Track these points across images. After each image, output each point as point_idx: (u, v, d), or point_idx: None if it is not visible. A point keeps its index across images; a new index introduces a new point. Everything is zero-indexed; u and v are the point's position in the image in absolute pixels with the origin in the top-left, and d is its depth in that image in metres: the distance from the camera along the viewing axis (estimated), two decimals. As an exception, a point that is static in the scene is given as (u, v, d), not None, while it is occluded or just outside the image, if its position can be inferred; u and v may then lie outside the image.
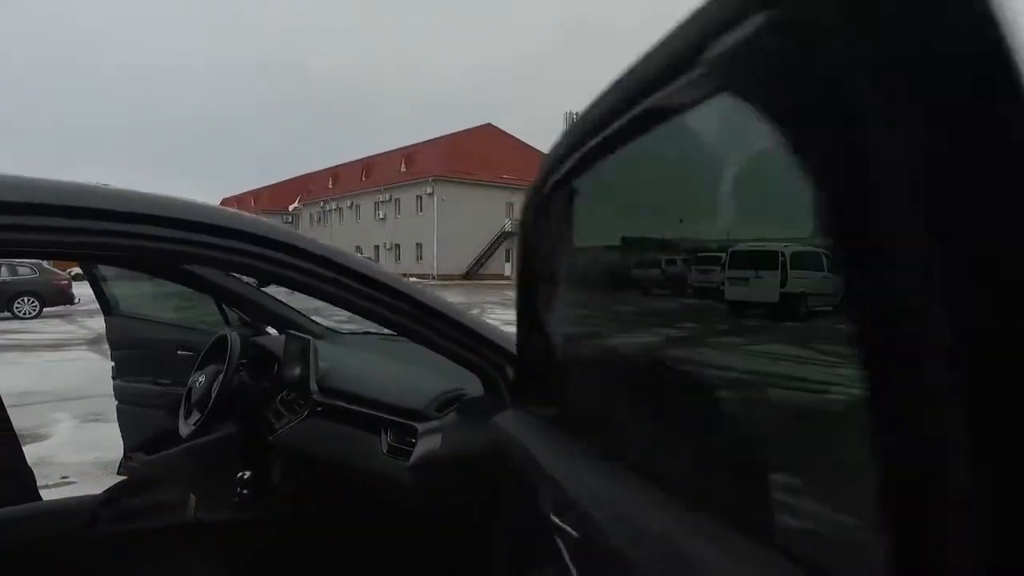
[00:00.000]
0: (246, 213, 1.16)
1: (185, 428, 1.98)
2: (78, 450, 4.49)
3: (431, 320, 1.29)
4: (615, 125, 0.68)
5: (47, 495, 3.72)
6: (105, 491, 1.84)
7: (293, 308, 2.47)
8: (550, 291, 1.09)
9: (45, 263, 14.77)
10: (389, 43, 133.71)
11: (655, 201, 0.84)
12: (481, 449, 1.31)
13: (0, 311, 13.59)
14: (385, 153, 47.19)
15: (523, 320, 1.15)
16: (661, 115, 0.61)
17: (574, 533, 0.84)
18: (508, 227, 42.32)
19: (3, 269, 14.20)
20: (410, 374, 1.67)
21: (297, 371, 1.83)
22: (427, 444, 1.36)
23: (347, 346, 2.14)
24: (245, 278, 2.33)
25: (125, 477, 2.72)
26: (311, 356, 1.75)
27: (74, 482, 3.90)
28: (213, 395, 1.91)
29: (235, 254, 1.11)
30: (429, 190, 40.97)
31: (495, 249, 41.75)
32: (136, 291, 3.11)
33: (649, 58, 0.58)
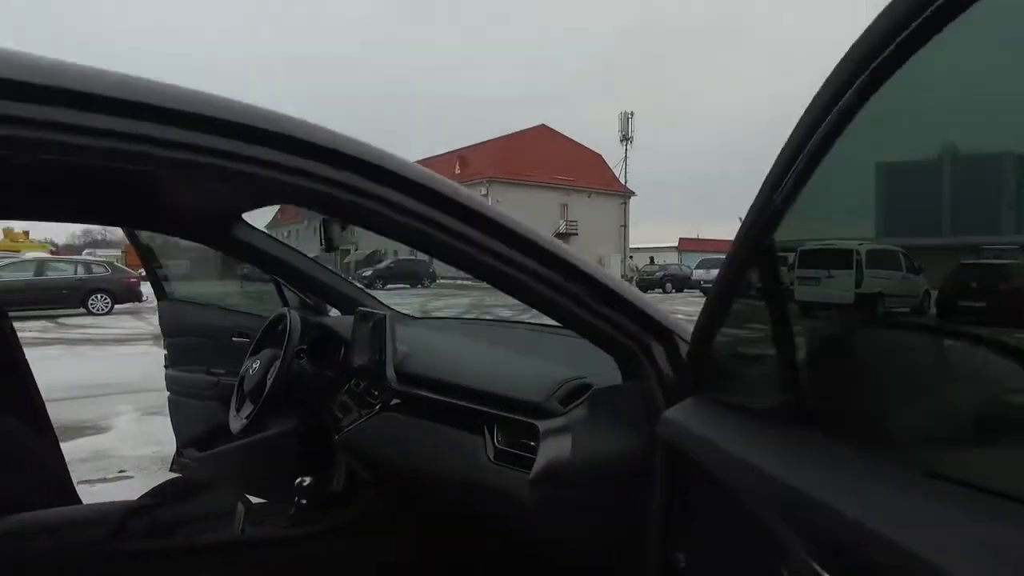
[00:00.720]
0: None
1: (236, 422, 1.67)
2: (137, 444, 4.36)
3: (556, 272, 0.93)
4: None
5: (104, 489, 3.58)
6: (142, 496, 1.54)
7: (360, 287, 2.15)
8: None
9: (116, 261, 15.29)
10: (441, 42, 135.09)
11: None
12: (632, 454, 0.95)
13: (76, 307, 14.07)
14: (439, 155, 47.53)
15: (722, 298, 0.86)
16: None
17: None
18: (562, 228, 41.86)
19: (79, 267, 14.77)
20: (515, 359, 1.30)
21: (369, 356, 1.49)
22: (554, 448, 0.99)
23: (429, 328, 1.79)
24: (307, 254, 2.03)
25: (178, 474, 2.48)
26: (388, 336, 1.41)
27: (131, 476, 3.74)
28: (268, 384, 1.59)
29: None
30: (484, 191, 40.93)
31: (550, 250, 41.32)
32: (191, 271, 2.89)
33: None
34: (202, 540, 1.35)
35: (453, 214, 0.91)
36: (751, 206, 0.70)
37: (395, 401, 1.36)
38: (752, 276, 0.77)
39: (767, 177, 0.70)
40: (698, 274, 24.48)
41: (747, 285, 0.80)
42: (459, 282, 26.80)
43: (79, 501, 1.77)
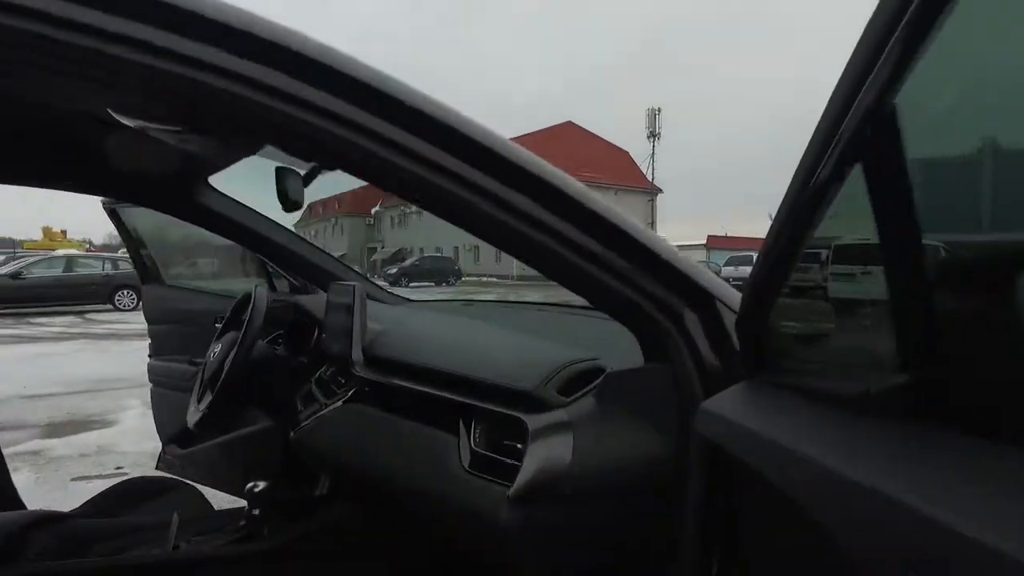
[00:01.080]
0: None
1: (194, 415, 1.44)
2: (140, 439, 4.22)
3: (531, 198, 0.69)
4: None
5: (100, 486, 3.42)
6: (84, 504, 1.30)
7: (351, 267, 1.91)
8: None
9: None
10: (465, 36, 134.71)
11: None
12: (658, 460, 0.69)
13: (103, 303, 14.21)
14: (465, 154, 47.46)
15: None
16: None
17: None
18: (589, 226, 41.51)
19: (106, 264, 14.93)
20: (509, 339, 1.04)
21: (340, 337, 1.24)
22: (547, 452, 0.72)
23: (418, 308, 1.54)
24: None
25: (165, 473, 2.28)
26: (356, 310, 1.15)
27: (127, 473, 3.59)
28: (225, 369, 1.35)
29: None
30: (509, 189, 40.80)
31: (576, 249, 40.99)
32: (176, 252, 2.69)
33: None
34: (117, 560, 1.10)
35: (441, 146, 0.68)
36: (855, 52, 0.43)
37: (366, 388, 1.11)
38: (845, 187, 0.50)
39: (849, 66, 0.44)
40: (727, 271, 24.00)
41: (833, 203, 0.52)
42: (484, 279, 26.67)
43: (23, 507, 1.56)
